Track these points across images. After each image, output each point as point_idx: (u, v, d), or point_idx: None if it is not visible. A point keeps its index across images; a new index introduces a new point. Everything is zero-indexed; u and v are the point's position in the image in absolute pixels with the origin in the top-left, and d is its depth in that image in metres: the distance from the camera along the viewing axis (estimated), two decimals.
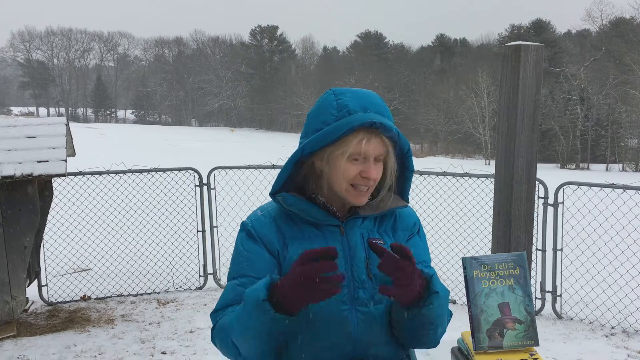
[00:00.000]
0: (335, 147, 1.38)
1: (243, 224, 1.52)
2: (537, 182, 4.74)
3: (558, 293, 5.14)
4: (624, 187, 4.94)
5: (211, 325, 1.48)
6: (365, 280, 1.43)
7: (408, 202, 1.55)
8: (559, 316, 5.08)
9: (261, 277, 1.40)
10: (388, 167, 1.45)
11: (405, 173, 1.51)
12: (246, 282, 1.42)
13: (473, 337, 1.63)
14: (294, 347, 1.42)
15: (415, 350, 1.62)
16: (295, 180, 1.48)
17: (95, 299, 5.57)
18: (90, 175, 5.73)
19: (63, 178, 4.52)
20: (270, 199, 1.55)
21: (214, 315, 1.46)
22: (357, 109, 1.39)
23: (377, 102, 1.43)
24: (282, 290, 1.23)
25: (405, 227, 1.56)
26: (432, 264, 1.65)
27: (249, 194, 6.82)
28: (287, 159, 1.47)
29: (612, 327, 4.78)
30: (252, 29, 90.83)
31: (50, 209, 5.20)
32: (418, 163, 26.18)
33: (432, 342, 1.44)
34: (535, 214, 3.70)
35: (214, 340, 1.44)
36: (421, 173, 5.87)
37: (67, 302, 5.45)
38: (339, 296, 1.40)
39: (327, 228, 1.46)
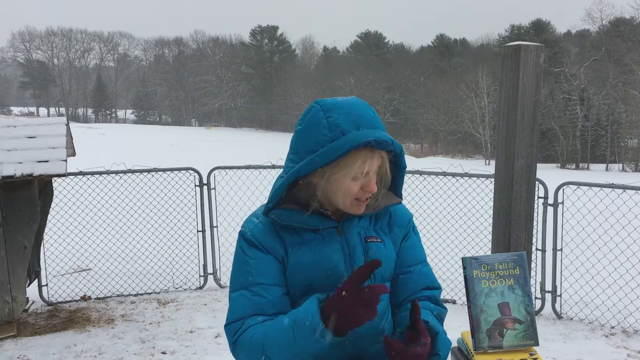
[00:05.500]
0: (336, 169, 1.38)
1: (242, 233, 1.49)
2: (537, 182, 4.74)
3: (558, 293, 5.14)
4: (624, 187, 4.93)
5: (219, 333, 1.48)
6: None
7: (401, 199, 1.57)
8: (559, 316, 5.08)
9: (275, 283, 1.42)
10: (382, 172, 1.47)
11: (397, 170, 1.52)
12: (260, 290, 1.40)
13: (473, 337, 1.63)
14: None
15: None
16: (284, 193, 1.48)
17: (95, 299, 5.57)
18: (90, 175, 5.73)
19: (63, 178, 4.53)
20: (263, 204, 1.54)
21: (230, 327, 1.41)
22: (350, 127, 1.36)
23: (368, 115, 1.41)
24: (337, 313, 1.24)
25: (401, 224, 1.58)
26: (432, 265, 1.67)
27: (249, 194, 6.83)
28: (280, 177, 1.46)
29: (612, 327, 4.78)
30: (252, 29, 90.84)
31: (50, 209, 5.20)
32: (418, 163, 26.22)
33: None
34: (535, 214, 3.70)
35: (236, 354, 1.41)
36: (421, 173, 5.87)
37: (67, 302, 5.45)
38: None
39: (325, 230, 1.47)
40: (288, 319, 1.30)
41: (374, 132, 1.37)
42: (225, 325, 1.43)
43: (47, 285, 5.42)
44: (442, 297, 1.60)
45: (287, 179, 1.40)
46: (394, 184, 1.53)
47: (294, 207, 1.45)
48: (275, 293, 1.41)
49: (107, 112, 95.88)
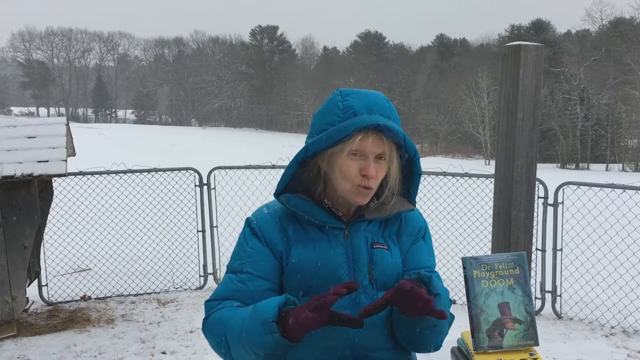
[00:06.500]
0: (337, 147, 1.38)
1: (248, 221, 1.50)
2: (537, 182, 4.74)
3: (558, 293, 5.14)
4: (624, 187, 4.93)
5: (204, 314, 1.47)
6: (367, 286, 1.43)
7: (415, 206, 1.54)
8: (559, 316, 5.08)
9: (262, 276, 1.42)
10: (391, 169, 1.43)
11: (412, 176, 1.49)
12: (246, 278, 1.42)
13: (473, 337, 1.63)
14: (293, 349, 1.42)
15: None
16: (302, 181, 1.47)
17: (95, 299, 5.57)
18: (90, 175, 5.74)
19: (63, 178, 4.53)
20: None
21: (209, 304, 1.44)
22: (363, 111, 1.37)
23: (383, 104, 1.42)
24: (292, 320, 1.21)
25: (410, 233, 1.54)
26: None
27: (249, 194, 6.82)
28: (291, 159, 1.46)
29: (612, 327, 4.78)
30: (252, 29, 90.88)
31: (50, 209, 5.20)
32: None
33: (435, 345, 1.44)
34: (535, 214, 3.70)
35: (204, 330, 1.43)
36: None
37: (67, 302, 5.45)
38: (340, 301, 1.40)
39: (332, 231, 1.45)
40: (253, 306, 1.30)
41: (385, 120, 1.37)
42: (205, 301, 1.46)
43: (47, 285, 5.42)
44: None
45: (295, 157, 1.40)
46: (408, 191, 1.51)
47: (306, 198, 1.44)
48: (259, 285, 1.41)
49: (107, 112, 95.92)
